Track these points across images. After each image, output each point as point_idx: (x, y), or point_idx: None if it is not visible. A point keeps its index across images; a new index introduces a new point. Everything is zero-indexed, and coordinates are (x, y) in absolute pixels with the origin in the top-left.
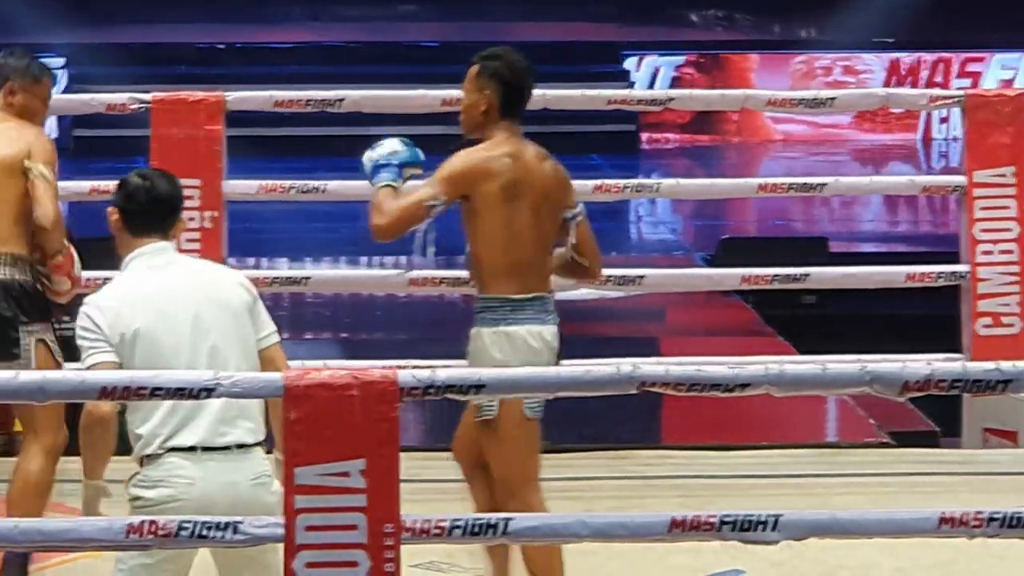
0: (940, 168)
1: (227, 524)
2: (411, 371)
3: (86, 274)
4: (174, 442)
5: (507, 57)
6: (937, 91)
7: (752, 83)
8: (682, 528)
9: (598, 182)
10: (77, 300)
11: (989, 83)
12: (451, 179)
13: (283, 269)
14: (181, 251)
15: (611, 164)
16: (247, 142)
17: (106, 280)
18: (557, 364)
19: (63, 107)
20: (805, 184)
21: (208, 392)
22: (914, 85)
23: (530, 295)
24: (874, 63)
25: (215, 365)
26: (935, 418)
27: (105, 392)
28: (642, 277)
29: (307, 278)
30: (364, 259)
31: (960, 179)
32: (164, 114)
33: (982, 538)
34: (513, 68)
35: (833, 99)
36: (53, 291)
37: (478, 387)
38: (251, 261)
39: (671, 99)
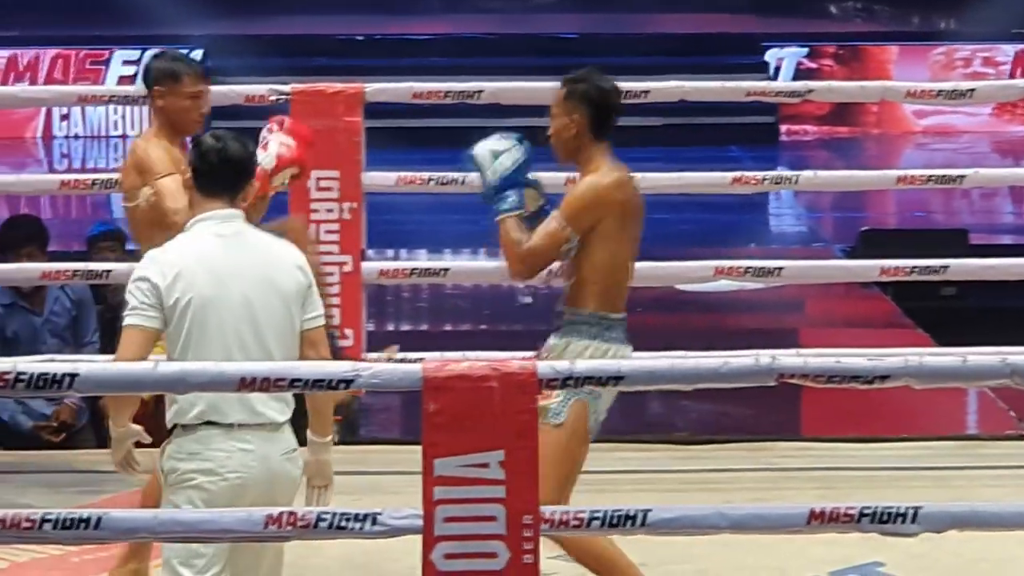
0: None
1: (366, 516)
2: (550, 362)
3: None
4: (213, 416)
5: (593, 79)
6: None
7: (891, 75)
8: (821, 520)
9: (737, 174)
10: None
11: None
12: (581, 214)
13: (422, 260)
14: (321, 241)
15: (750, 156)
16: (386, 133)
17: None
18: None
19: None
20: (945, 176)
21: (347, 383)
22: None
23: (621, 316)
24: (1011, 54)
25: (255, 347)
26: None
27: (244, 383)
28: (781, 269)
29: (446, 269)
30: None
31: None
32: (303, 106)
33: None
34: (600, 89)
35: (972, 90)
36: None
37: (617, 378)
38: (390, 253)
39: (810, 91)
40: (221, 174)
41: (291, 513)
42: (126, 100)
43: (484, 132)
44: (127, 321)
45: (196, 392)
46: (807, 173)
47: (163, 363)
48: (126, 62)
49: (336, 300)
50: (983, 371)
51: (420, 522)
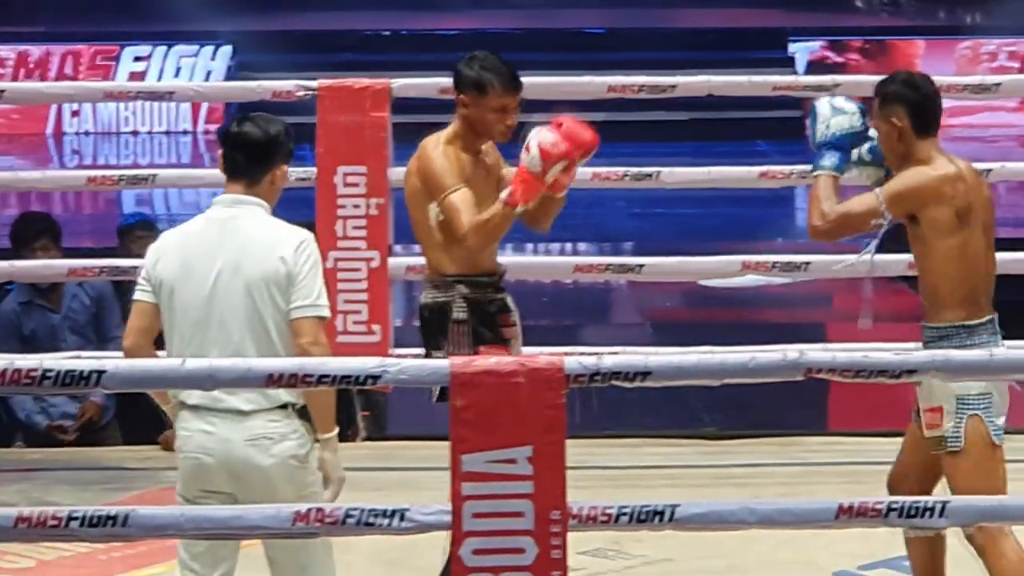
0: None
1: (394, 512)
2: (577, 358)
3: None
4: (182, 397)
5: (902, 77)
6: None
7: (917, 68)
8: (849, 514)
9: (764, 168)
10: None
11: None
12: (902, 196)
13: None
14: (348, 237)
15: (777, 150)
16: (413, 129)
17: None
18: None
19: (228, 94)
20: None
21: (374, 379)
22: None
23: (983, 319)
24: None
25: (219, 334)
26: None
27: (272, 379)
28: (808, 263)
29: None
30: (530, 246)
31: None
32: (330, 101)
33: None
34: (913, 84)
35: (999, 84)
36: None
37: (644, 374)
38: (416, 248)
39: (837, 85)
40: (236, 157)
41: (319, 510)
42: (152, 96)
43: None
44: (134, 299)
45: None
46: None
47: (191, 359)
48: (137, 58)
49: (364, 296)
50: (1011, 365)
51: (448, 518)
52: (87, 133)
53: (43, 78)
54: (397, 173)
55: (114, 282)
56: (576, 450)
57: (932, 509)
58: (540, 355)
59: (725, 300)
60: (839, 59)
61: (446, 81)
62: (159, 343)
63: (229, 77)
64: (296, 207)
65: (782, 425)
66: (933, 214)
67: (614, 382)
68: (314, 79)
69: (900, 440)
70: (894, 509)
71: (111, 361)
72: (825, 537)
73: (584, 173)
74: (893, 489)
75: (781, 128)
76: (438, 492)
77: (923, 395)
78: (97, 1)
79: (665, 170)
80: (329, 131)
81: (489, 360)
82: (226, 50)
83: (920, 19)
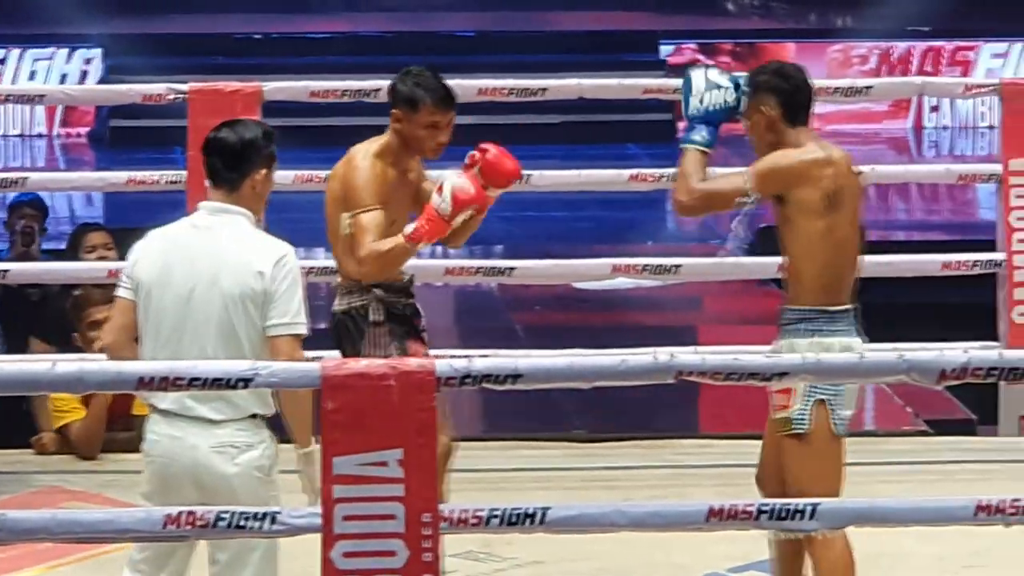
0: (931, 157)
1: (265, 515)
2: (448, 361)
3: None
4: (153, 401)
5: (773, 67)
6: (973, 79)
7: None
8: (720, 517)
9: (634, 171)
10: None
11: (979, 72)
12: (768, 176)
13: (319, 259)
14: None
15: (648, 153)
16: (283, 132)
17: None
18: None
19: (99, 97)
20: None
21: (246, 382)
22: (904, 74)
23: (844, 307)
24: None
25: (193, 345)
26: (972, 406)
27: (143, 382)
28: (678, 266)
29: None
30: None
31: (996, 167)
32: (201, 104)
33: (1019, 525)
34: (783, 74)
35: (870, 88)
36: None
37: (515, 377)
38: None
39: None
40: (214, 164)
41: (190, 512)
42: (22, 99)
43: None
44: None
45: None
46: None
47: (61, 362)
48: None
49: None
50: (880, 368)
51: (319, 520)
52: None
53: None
54: None
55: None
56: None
57: (803, 511)
58: (411, 358)
59: (596, 303)
60: (710, 62)
61: (316, 84)
62: None
63: (99, 80)
64: (167, 210)
65: (653, 428)
66: (800, 195)
67: (485, 384)
68: (185, 82)
69: None
70: (764, 511)
71: None
72: (696, 540)
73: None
74: (761, 486)
75: (652, 131)
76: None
77: None
78: None
79: (536, 173)
80: (200, 135)
81: (360, 363)
82: (83, 52)
83: (791, 22)
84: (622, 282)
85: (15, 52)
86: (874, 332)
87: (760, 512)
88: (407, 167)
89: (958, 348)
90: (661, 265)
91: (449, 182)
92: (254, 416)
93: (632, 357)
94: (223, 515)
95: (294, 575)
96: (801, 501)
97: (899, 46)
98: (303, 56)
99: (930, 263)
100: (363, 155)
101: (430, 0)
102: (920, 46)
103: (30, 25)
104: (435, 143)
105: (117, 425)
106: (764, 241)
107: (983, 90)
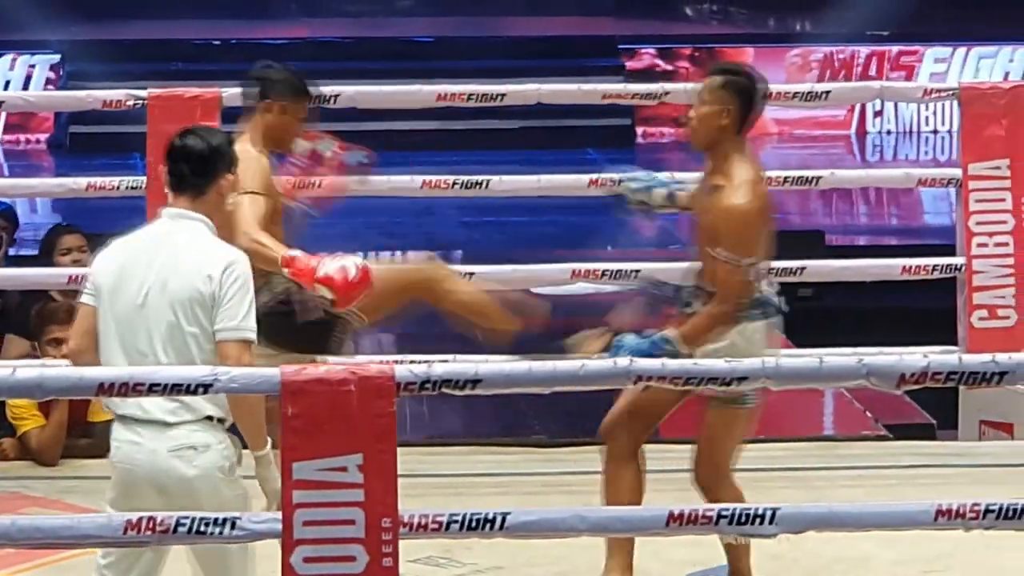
0: (875, 161)
1: (225, 520)
2: (407, 366)
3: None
4: (113, 407)
5: (751, 74)
6: (932, 84)
7: None
8: (680, 522)
9: (594, 176)
10: None
11: (923, 78)
12: (743, 238)
13: None
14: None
15: (607, 158)
16: None
17: None
18: None
19: (59, 103)
20: (801, 177)
21: (205, 388)
22: (847, 79)
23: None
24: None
25: (147, 348)
26: (932, 410)
27: (103, 388)
28: (638, 271)
29: None
30: (359, 254)
31: (955, 172)
32: (161, 110)
33: (979, 530)
34: (756, 87)
35: (828, 92)
36: None
37: (474, 382)
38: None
39: (666, 93)
40: (181, 170)
41: (150, 518)
42: None
43: (341, 136)
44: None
45: None
46: (663, 175)
47: (21, 368)
48: None
49: None
50: (840, 372)
51: (279, 526)
52: None
53: None
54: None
55: None
56: (407, 458)
57: (762, 516)
58: (370, 363)
59: (555, 308)
60: (668, 67)
61: None
62: None
63: (60, 87)
64: (127, 216)
65: None
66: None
67: (444, 390)
68: (144, 88)
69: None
70: (724, 516)
71: None
72: (656, 544)
73: (414, 181)
74: (608, 436)
75: (611, 136)
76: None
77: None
78: None
79: (495, 178)
80: (159, 140)
81: (320, 369)
82: (26, 59)
83: (750, 27)
84: (582, 287)
85: None
86: (834, 336)
87: (720, 516)
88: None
89: (917, 353)
90: (620, 270)
91: (331, 266)
92: (209, 418)
93: (591, 362)
94: (183, 520)
95: None
96: (761, 506)
97: (845, 50)
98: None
99: (890, 267)
100: (240, 146)
101: (389, 6)
102: (864, 51)
103: None
104: (298, 135)
105: (75, 431)
106: None
107: (942, 94)
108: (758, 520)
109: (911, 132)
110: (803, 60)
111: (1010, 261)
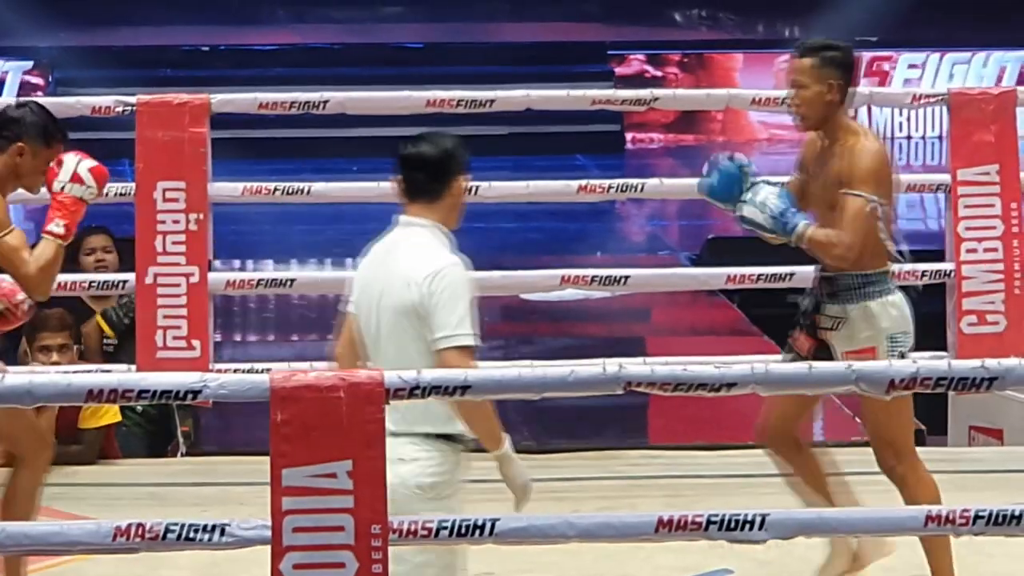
0: None
1: (214, 527)
2: (397, 372)
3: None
4: None
5: (842, 46)
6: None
7: (736, 82)
8: (669, 528)
9: (582, 182)
10: None
11: (896, 82)
12: (878, 178)
13: (268, 271)
14: (167, 252)
15: (596, 164)
16: (232, 144)
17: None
18: None
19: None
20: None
21: (195, 394)
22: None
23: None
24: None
25: (384, 357)
26: (921, 416)
27: (92, 395)
28: (627, 277)
29: (292, 280)
30: (349, 260)
31: (944, 177)
32: (149, 117)
33: (969, 536)
34: (849, 56)
35: None
36: None
37: (464, 388)
38: (236, 263)
39: (656, 99)
40: (416, 178)
41: (139, 525)
42: None
43: (330, 142)
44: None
45: None
46: (653, 181)
47: (10, 376)
48: None
49: (184, 311)
50: (828, 378)
51: (269, 532)
52: None
53: None
54: (216, 188)
55: None
56: None
57: (752, 522)
58: (360, 370)
59: (545, 314)
60: (658, 73)
61: (265, 96)
62: None
63: (48, 93)
64: (116, 222)
65: (602, 439)
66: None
67: (434, 396)
68: (133, 95)
69: (720, 453)
70: (713, 522)
71: None
72: (645, 550)
73: None
74: (767, 440)
75: (600, 142)
76: (258, 507)
77: (841, 339)
78: None
79: (484, 184)
80: (148, 147)
81: (309, 375)
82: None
83: (739, 33)
84: (571, 293)
85: None
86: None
87: (709, 522)
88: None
89: (907, 358)
90: (610, 276)
91: (83, 164)
92: (426, 435)
93: (581, 368)
94: (172, 527)
95: None
96: (750, 512)
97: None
98: (251, 68)
99: None
100: None
101: (378, 12)
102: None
103: None
104: (44, 178)
105: (66, 438)
106: (713, 253)
107: (931, 100)
108: (748, 526)
109: (885, 138)
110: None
111: (999, 267)
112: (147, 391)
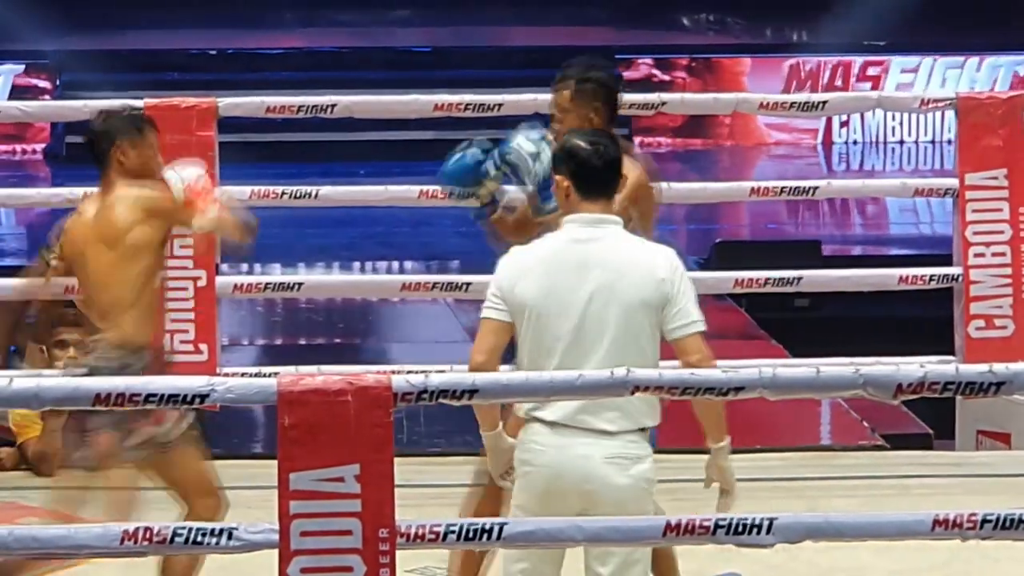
0: (841, 171)
1: (222, 531)
2: (405, 376)
3: None
4: (538, 413)
5: (599, 69)
6: (929, 94)
7: (744, 86)
8: (677, 532)
9: None
10: None
11: (890, 87)
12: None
13: (276, 275)
14: (175, 256)
15: None
16: (239, 148)
17: None
18: None
19: (55, 114)
20: (797, 187)
21: (202, 398)
22: (814, 89)
23: None
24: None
25: (593, 357)
26: (929, 420)
27: (99, 398)
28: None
29: (300, 284)
30: (356, 264)
31: (952, 182)
32: (157, 120)
33: (976, 540)
34: (614, 79)
35: (825, 102)
36: None
37: (472, 392)
38: (244, 267)
39: (663, 103)
40: (600, 177)
41: (147, 528)
42: None
43: (337, 146)
44: (482, 316)
45: None
46: (661, 185)
47: (18, 379)
48: None
49: (191, 315)
50: (836, 382)
51: (276, 536)
52: None
53: None
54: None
55: None
56: (404, 468)
57: (759, 526)
58: (368, 373)
59: None
60: (666, 77)
61: (273, 100)
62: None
63: (55, 97)
64: None
65: None
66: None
67: (442, 400)
68: (140, 98)
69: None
70: (721, 526)
71: None
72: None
73: (411, 191)
74: None
75: None
76: (266, 511)
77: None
78: None
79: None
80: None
81: (317, 379)
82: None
83: (747, 37)
84: None
85: None
86: (831, 346)
87: (717, 526)
88: None
89: (915, 362)
90: None
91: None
92: (643, 429)
93: (588, 372)
94: (180, 531)
95: None
96: (758, 516)
97: (811, 61)
98: (258, 71)
99: (887, 277)
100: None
101: (386, 16)
102: (831, 61)
103: None
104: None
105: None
106: (721, 256)
107: (939, 104)
108: (755, 530)
109: (877, 142)
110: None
111: (1007, 271)
112: (154, 395)
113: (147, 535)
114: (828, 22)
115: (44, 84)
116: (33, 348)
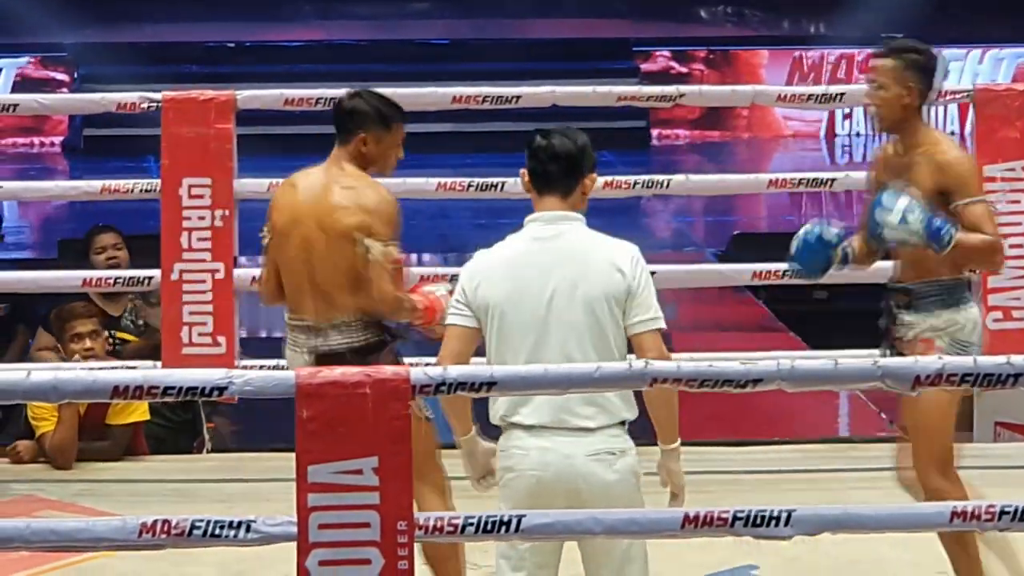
0: (844, 164)
1: (240, 523)
2: (423, 368)
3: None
4: (515, 418)
5: (923, 49)
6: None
7: (762, 78)
8: (695, 524)
9: (608, 178)
10: None
11: None
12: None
13: None
14: (193, 249)
15: (622, 160)
16: (258, 140)
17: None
18: None
19: (73, 107)
20: (815, 179)
21: (220, 391)
22: (816, 81)
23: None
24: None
25: (559, 354)
26: None
27: (117, 391)
28: (653, 273)
29: None
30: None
31: None
32: (175, 113)
33: (994, 531)
34: (933, 59)
35: (843, 94)
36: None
37: (490, 384)
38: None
39: (681, 95)
40: (550, 170)
41: (165, 521)
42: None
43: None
44: (447, 322)
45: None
46: (679, 177)
47: (37, 372)
48: None
49: (209, 307)
50: (854, 374)
51: (294, 529)
52: None
53: None
54: (242, 184)
55: None
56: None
57: (778, 518)
58: (385, 366)
59: None
60: (683, 69)
61: (291, 92)
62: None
63: (73, 89)
64: (141, 219)
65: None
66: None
67: (460, 392)
68: (158, 91)
69: (745, 449)
70: (739, 518)
71: None
72: (670, 547)
73: (429, 184)
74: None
75: (626, 139)
76: (284, 504)
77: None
78: None
79: (510, 180)
80: (174, 143)
81: (335, 371)
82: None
83: (764, 29)
84: None
85: None
86: (849, 338)
87: (735, 519)
88: None
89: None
90: None
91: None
92: (623, 423)
93: (607, 364)
94: (198, 523)
95: None
96: (776, 508)
97: (812, 54)
98: (277, 64)
99: None
100: (373, 184)
101: (404, 8)
102: (834, 53)
103: (2, 34)
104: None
105: (93, 434)
106: (739, 248)
107: (957, 96)
108: (773, 522)
109: (879, 135)
110: (815, 62)
111: None
112: (173, 387)
113: (165, 528)
114: (845, 14)
115: (62, 77)
116: (44, 353)
